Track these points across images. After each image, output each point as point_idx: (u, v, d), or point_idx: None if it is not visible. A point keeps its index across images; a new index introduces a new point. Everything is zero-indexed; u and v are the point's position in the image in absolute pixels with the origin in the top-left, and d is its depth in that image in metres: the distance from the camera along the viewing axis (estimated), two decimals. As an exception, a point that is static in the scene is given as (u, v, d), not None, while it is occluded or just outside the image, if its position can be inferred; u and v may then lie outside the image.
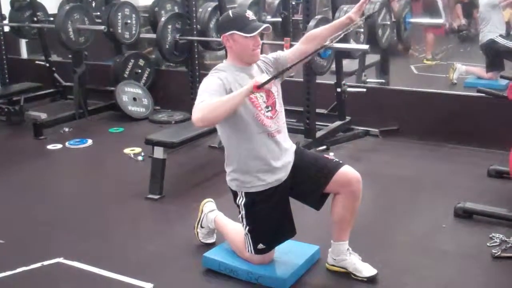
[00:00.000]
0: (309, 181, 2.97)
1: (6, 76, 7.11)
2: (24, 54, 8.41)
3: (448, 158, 4.96)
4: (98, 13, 6.78)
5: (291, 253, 3.13)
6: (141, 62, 6.78)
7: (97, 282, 3.09)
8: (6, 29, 7.18)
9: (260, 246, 2.99)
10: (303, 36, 3.11)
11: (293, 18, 7.06)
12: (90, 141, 5.63)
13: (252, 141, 2.86)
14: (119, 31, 6.28)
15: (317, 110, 5.20)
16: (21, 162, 5.17)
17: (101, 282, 3.08)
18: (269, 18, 7.17)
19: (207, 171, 4.72)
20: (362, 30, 5.12)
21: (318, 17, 4.69)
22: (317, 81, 5.10)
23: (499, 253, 3.22)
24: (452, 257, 3.26)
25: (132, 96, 6.50)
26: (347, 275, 3.03)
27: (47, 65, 7.25)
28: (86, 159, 5.37)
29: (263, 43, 5.66)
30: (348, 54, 5.24)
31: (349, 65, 6.36)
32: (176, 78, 6.80)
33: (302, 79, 5.06)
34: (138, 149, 5.22)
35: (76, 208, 4.12)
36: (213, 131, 4.67)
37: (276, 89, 2.97)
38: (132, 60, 6.70)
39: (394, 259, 3.25)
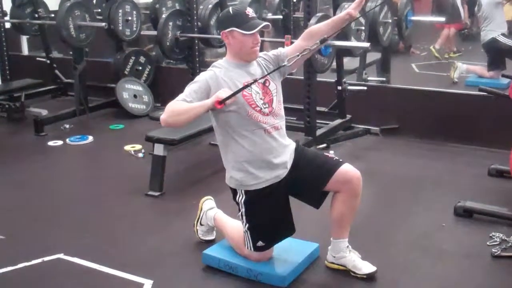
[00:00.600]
0: (309, 179, 2.97)
1: (7, 72, 7.10)
2: (25, 50, 8.41)
3: (448, 157, 4.96)
4: (99, 10, 6.78)
5: (290, 251, 3.13)
6: (142, 59, 6.78)
7: (97, 278, 3.09)
8: (7, 25, 7.17)
9: (260, 243, 2.99)
10: (303, 33, 3.10)
11: (294, 15, 7.07)
12: (90, 138, 5.63)
13: (248, 138, 2.86)
14: (120, 28, 6.28)
15: (318, 108, 5.20)
16: (22, 159, 5.18)
17: (101, 278, 3.09)
18: (270, 16, 7.17)
19: (207, 169, 4.72)
20: (363, 28, 5.12)
21: (319, 14, 4.68)
22: (318, 79, 5.10)
23: (499, 252, 3.22)
24: (451, 256, 3.26)
25: (132, 93, 6.50)
26: (346, 272, 3.03)
27: (48, 61, 7.26)
28: (86, 156, 5.37)
29: (263, 41, 5.68)
30: (349, 52, 5.23)
31: (350, 63, 6.36)
32: (177, 75, 6.78)
33: (302, 77, 5.05)
34: (138, 146, 5.23)
35: (76, 205, 4.13)
36: (213, 128, 4.68)
37: (274, 86, 2.97)
38: (133, 57, 6.70)
39: (394, 257, 3.25)
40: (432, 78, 8.02)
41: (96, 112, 6.48)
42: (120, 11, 6.25)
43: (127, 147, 5.26)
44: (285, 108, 3.04)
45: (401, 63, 8.31)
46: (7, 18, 7.05)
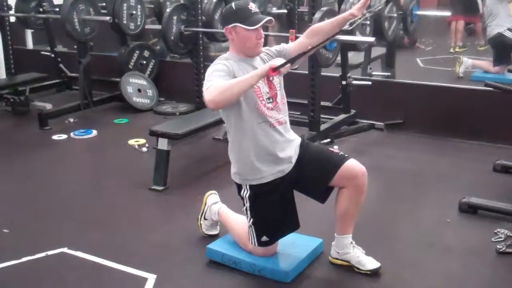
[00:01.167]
0: (314, 174, 2.96)
1: (12, 66, 7.11)
2: (29, 44, 8.41)
3: (453, 152, 4.94)
4: (104, 4, 6.78)
5: (294, 246, 3.13)
6: (146, 53, 6.78)
7: (101, 272, 3.09)
8: (12, 19, 7.17)
9: (264, 238, 2.99)
10: (307, 30, 3.09)
11: (298, 10, 7.05)
12: (95, 132, 5.63)
13: (254, 131, 2.85)
14: (124, 22, 6.28)
15: (322, 103, 5.18)
16: (26, 153, 5.18)
17: (105, 272, 3.09)
18: (274, 10, 7.16)
19: (211, 163, 4.72)
20: (368, 22, 5.10)
21: (324, 9, 4.66)
22: (322, 73, 5.08)
23: (503, 248, 3.20)
24: (456, 252, 3.25)
25: (137, 87, 6.50)
26: (350, 268, 3.02)
27: (53, 55, 7.25)
28: (90, 150, 5.37)
29: (268, 35, 5.66)
30: (353, 46, 5.22)
31: (354, 57, 6.34)
32: (181, 70, 6.79)
33: (307, 72, 5.04)
34: (142, 140, 5.23)
35: (80, 199, 4.13)
36: (217, 123, 4.68)
37: (278, 81, 2.97)
38: (137, 51, 6.69)
39: (398, 253, 3.25)
40: (437, 73, 8.00)
41: (101, 106, 6.48)
42: (125, 5, 6.24)
43: (131, 141, 5.26)
44: (289, 103, 3.03)
45: (406, 58, 8.28)
46: (12, 12, 7.05)
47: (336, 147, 4.90)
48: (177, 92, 6.67)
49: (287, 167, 2.93)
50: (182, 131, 4.33)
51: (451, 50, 9.27)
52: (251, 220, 2.98)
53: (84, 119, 6.07)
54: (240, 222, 3.16)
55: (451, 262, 3.14)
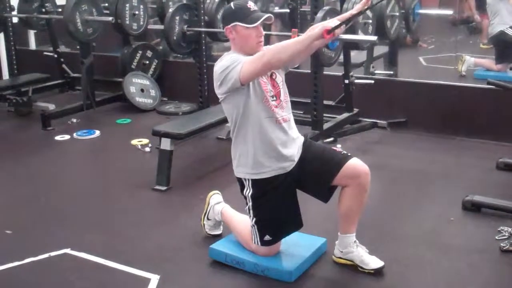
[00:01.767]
0: (317, 173, 2.96)
1: (15, 67, 7.11)
2: (32, 45, 8.41)
3: (456, 150, 4.94)
4: (106, 4, 6.77)
5: (297, 245, 3.13)
6: (149, 53, 6.78)
7: (104, 273, 3.10)
8: (15, 20, 7.17)
9: (267, 237, 2.99)
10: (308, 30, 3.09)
11: (300, 9, 7.05)
12: (97, 132, 5.63)
13: (260, 125, 2.86)
14: (127, 22, 6.27)
15: (325, 102, 5.18)
16: (29, 153, 5.19)
17: (108, 273, 3.09)
18: (276, 9, 7.15)
19: (214, 163, 4.72)
20: (370, 21, 5.09)
21: (326, 8, 4.65)
22: (325, 72, 5.07)
23: (507, 246, 3.20)
24: (459, 250, 3.25)
25: (139, 87, 6.50)
26: (353, 267, 3.02)
27: (55, 56, 7.25)
28: (93, 150, 5.38)
29: (270, 35, 5.66)
30: (356, 45, 5.21)
31: (357, 56, 6.34)
32: (184, 70, 6.79)
33: (309, 71, 5.04)
34: (145, 140, 5.23)
35: (83, 199, 4.13)
36: (220, 122, 4.68)
37: (281, 79, 2.98)
38: (140, 51, 6.69)
39: (401, 252, 3.24)
40: (439, 71, 7.98)
41: (103, 106, 6.48)
42: (127, 5, 6.23)
43: (134, 141, 5.26)
44: (292, 102, 3.04)
45: (408, 57, 8.27)
46: (14, 12, 7.05)
47: (339, 146, 4.90)
48: (180, 92, 6.67)
49: (289, 165, 2.93)
50: (185, 131, 4.33)
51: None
52: (254, 219, 2.98)
53: (87, 120, 6.08)
54: (243, 222, 3.16)
55: (455, 260, 3.14)
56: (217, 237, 3.38)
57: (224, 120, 4.28)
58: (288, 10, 7.18)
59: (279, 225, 3.01)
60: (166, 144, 4.25)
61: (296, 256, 3.05)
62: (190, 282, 3.02)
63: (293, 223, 3.03)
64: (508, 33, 6.82)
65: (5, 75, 7.40)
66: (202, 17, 5.76)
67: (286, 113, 2.95)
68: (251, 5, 2.89)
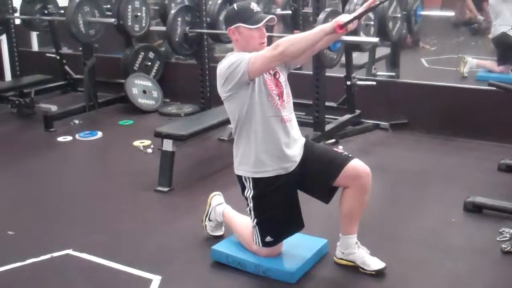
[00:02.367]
0: (318, 174, 2.96)
1: (17, 68, 7.13)
2: (35, 46, 8.43)
3: (458, 152, 4.94)
4: (108, 6, 6.79)
5: (299, 247, 3.13)
6: (151, 54, 6.79)
7: (106, 274, 3.10)
8: (17, 21, 7.19)
9: (268, 238, 2.99)
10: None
11: (303, 10, 7.06)
12: (100, 134, 5.64)
13: (265, 124, 2.86)
14: (129, 23, 6.30)
15: (327, 103, 5.18)
16: (32, 154, 5.20)
17: (110, 273, 3.10)
18: (278, 11, 7.16)
19: (216, 164, 4.72)
20: (372, 22, 5.09)
21: (328, 9, 4.66)
22: (327, 74, 5.08)
23: (508, 248, 3.19)
24: (461, 251, 3.25)
25: (142, 88, 6.51)
26: (355, 268, 3.02)
27: (58, 57, 7.26)
28: (96, 151, 5.38)
29: (273, 36, 5.66)
30: (358, 47, 5.21)
31: (359, 58, 6.34)
32: (186, 71, 6.80)
33: (311, 72, 5.04)
34: (147, 142, 5.24)
35: (85, 200, 4.14)
36: (222, 123, 4.69)
37: (284, 78, 2.98)
38: (142, 53, 6.71)
39: (403, 253, 3.25)
40: (441, 72, 7.97)
41: (106, 107, 6.49)
42: (129, 6, 6.26)
43: (136, 143, 5.27)
44: (294, 103, 3.04)
45: (411, 58, 8.27)
46: (17, 14, 7.06)
47: (341, 147, 4.90)
48: (182, 93, 6.68)
49: (291, 166, 2.94)
50: (187, 132, 4.34)
51: None
52: (255, 220, 2.98)
53: (89, 121, 6.09)
54: (244, 223, 3.16)
55: (456, 262, 3.14)
56: (219, 238, 3.38)
57: (226, 122, 4.30)
58: (290, 12, 7.18)
59: (281, 226, 3.01)
60: (168, 145, 4.26)
61: (297, 257, 3.05)
62: (191, 283, 3.02)
63: (295, 224, 3.04)
64: (510, 35, 6.80)
65: (8, 76, 7.42)
66: (204, 19, 5.77)
67: (288, 112, 2.95)
68: (254, 6, 2.90)
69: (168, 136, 4.27)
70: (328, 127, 5.14)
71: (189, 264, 3.19)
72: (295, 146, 2.97)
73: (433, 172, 4.49)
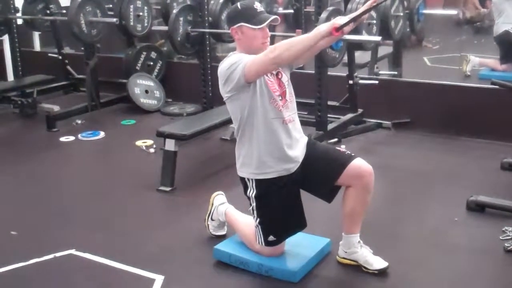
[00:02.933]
0: (320, 173, 2.96)
1: (19, 68, 7.13)
2: (37, 46, 8.42)
3: (461, 151, 4.93)
4: (110, 6, 6.79)
5: (301, 246, 3.13)
6: (153, 54, 6.80)
7: (109, 273, 3.10)
8: (19, 21, 7.19)
9: (271, 238, 2.99)
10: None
11: (305, 10, 7.04)
12: (102, 133, 5.65)
13: (266, 126, 2.86)
14: (131, 23, 6.30)
15: (329, 103, 5.17)
16: (34, 154, 5.20)
17: (113, 273, 3.10)
18: (281, 10, 7.15)
19: (218, 164, 4.72)
20: (374, 21, 5.09)
21: (330, 8, 4.65)
22: (329, 73, 5.07)
23: (511, 246, 3.19)
24: (464, 250, 3.25)
25: (144, 88, 6.51)
26: (358, 267, 3.02)
27: (60, 57, 7.26)
28: (98, 151, 5.39)
29: (275, 35, 5.66)
30: (360, 46, 5.21)
31: (361, 57, 6.33)
32: (188, 71, 6.80)
33: (313, 71, 5.04)
34: (149, 141, 5.24)
35: (88, 200, 4.14)
36: (224, 123, 4.69)
37: (286, 78, 2.98)
38: (144, 53, 6.71)
39: (405, 252, 3.24)
40: (444, 71, 7.96)
41: (108, 107, 6.50)
42: (131, 6, 6.26)
43: (139, 143, 5.27)
44: (297, 103, 3.04)
45: (413, 57, 8.26)
46: (19, 14, 7.07)
47: (343, 146, 4.90)
48: (184, 93, 6.68)
49: (293, 166, 2.93)
50: (189, 132, 4.34)
51: None
52: (258, 220, 2.98)
53: (92, 121, 6.09)
54: (247, 223, 3.16)
55: (459, 260, 3.14)
56: (222, 237, 3.38)
57: (228, 121, 4.28)
58: (292, 11, 7.17)
59: (283, 226, 3.01)
60: (170, 145, 4.26)
61: (300, 256, 3.05)
62: (194, 282, 3.02)
63: (297, 223, 3.03)
64: (513, 33, 6.79)
65: (10, 76, 7.41)
66: (206, 18, 5.77)
67: (291, 113, 2.95)
68: (258, 6, 2.89)
69: (170, 135, 4.27)
70: (330, 126, 5.14)
71: (192, 264, 3.19)
72: (297, 147, 2.96)
73: (435, 171, 4.49)
